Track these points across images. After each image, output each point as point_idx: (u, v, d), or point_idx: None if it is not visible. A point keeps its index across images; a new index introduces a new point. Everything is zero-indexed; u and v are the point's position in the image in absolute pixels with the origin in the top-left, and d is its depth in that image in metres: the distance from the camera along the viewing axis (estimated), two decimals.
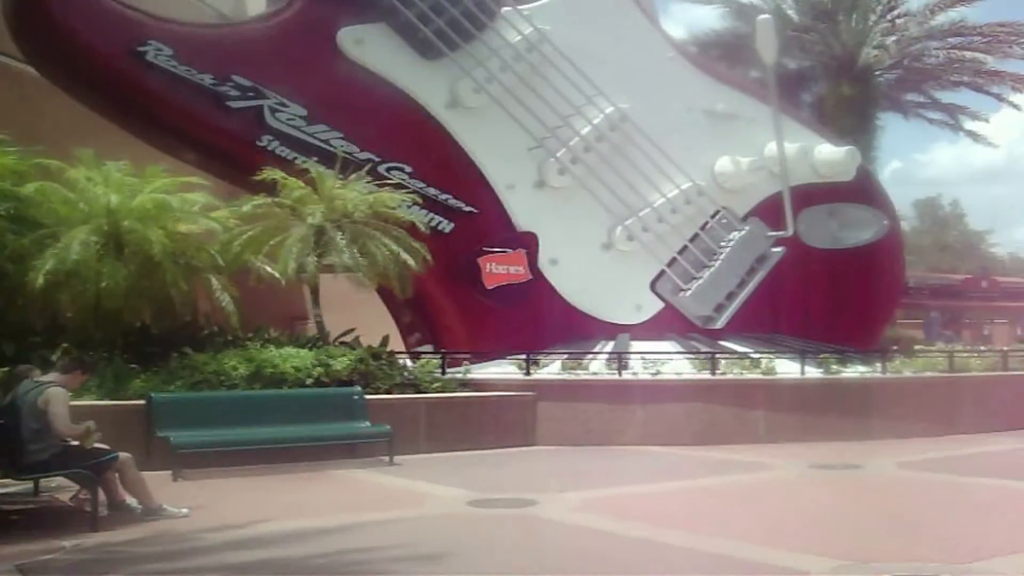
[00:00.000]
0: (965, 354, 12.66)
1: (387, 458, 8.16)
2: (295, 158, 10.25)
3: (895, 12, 20.39)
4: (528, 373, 10.10)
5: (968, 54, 19.49)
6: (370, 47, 10.86)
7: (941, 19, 19.97)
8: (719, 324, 12.72)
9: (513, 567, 4.60)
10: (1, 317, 8.03)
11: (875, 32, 20.08)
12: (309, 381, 8.51)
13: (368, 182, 10.02)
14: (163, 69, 9.82)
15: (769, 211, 13.09)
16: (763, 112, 13.01)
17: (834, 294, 13.44)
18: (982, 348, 13.90)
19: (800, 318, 13.01)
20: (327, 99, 10.63)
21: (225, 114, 10.11)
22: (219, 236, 9.03)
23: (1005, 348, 14.29)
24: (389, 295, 11.48)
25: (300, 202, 9.49)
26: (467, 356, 10.65)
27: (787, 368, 10.90)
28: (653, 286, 12.55)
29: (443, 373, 9.92)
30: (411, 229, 9.97)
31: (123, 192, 8.61)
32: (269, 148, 10.25)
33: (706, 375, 10.33)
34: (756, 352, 11.61)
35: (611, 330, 12.00)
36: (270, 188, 9.53)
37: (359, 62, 10.80)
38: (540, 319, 11.45)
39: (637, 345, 11.60)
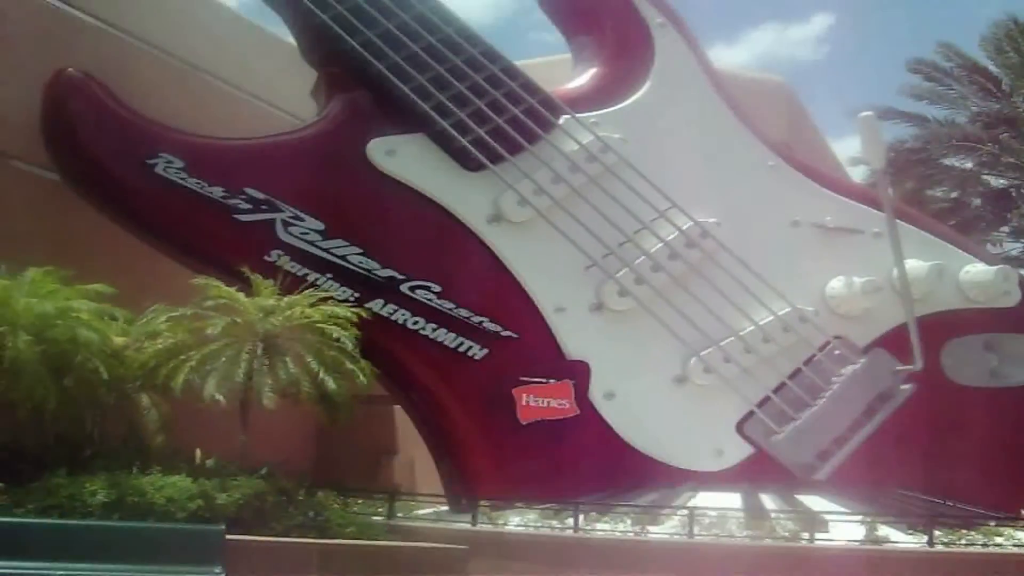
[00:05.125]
0: None
1: None
2: (306, 274, 10.17)
3: None
4: (474, 523, 9.49)
5: None
6: (403, 158, 10.95)
7: None
8: (822, 475, 11.23)
9: None
10: None
11: None
12: (181, 515, 8.09)
13: (331, 297, 9.75)
14: (172, 182, 10.12)
15: (902, 341, 11.60)
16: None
17: (991, 444, 11.83)
18: None
19: (938, 471, 11.48)
20: (349, 213, 10.78)
21: (233, 228, 10.29)
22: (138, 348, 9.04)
23: None
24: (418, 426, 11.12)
25: (222, 312, 9.33)
26: (482, 501, 10.07)
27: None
28: (740, 428, 11.27)
29: (389, 516, 9.25)
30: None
31: None
32: (278, 263, 10.16)
33: (704, 537, 9.27)
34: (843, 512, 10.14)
35: (683, 477, 10.90)
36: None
37: (389, 173, 10.79)
38: (588, 461, 10.61)
39: (708, 497, 10.37)
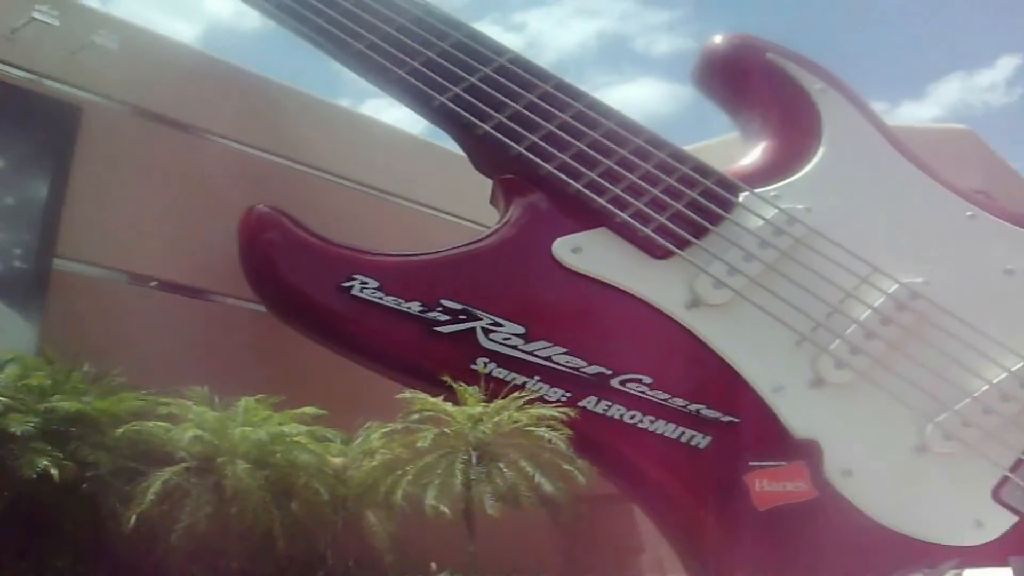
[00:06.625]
0: None
1: None
2: (514, 379, 10.22)
3: None
4: None
5: None
6: (589, 253, 11.09)
7: None
8: None
9: None
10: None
11: None
12: None
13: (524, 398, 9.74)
14: (370, 302, 10.41)
15: None
16: None
17: None
18: None
19: None
20: (547, 314, 10.86)
21: (436, 340, 10.45)
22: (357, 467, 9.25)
23: None
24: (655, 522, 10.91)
25: (431, 424, 9.45)
26: None
27: None
28: (997, 495, 10.62)
29: None
30: None
31: (212, 428, 9.06)
32: (484, 371, 10.23)
33: None
34: None
35: (944, 554, 10.24)
36: None
37: (579, 270, 10.86)
38: (837, 544, 10.12)
39: (975, 574, 9.71)
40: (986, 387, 11.21)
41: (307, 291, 10.82)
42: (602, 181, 11.41)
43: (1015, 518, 10.81)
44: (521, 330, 10.59)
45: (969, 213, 12.30)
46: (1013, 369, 11.31)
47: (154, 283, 11.17)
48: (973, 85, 58.79)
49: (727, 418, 10.66)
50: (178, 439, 9.11)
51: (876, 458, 10.80)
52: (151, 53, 11.67)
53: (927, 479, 10.87)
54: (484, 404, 9.88)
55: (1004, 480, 10.97)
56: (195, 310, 11.32)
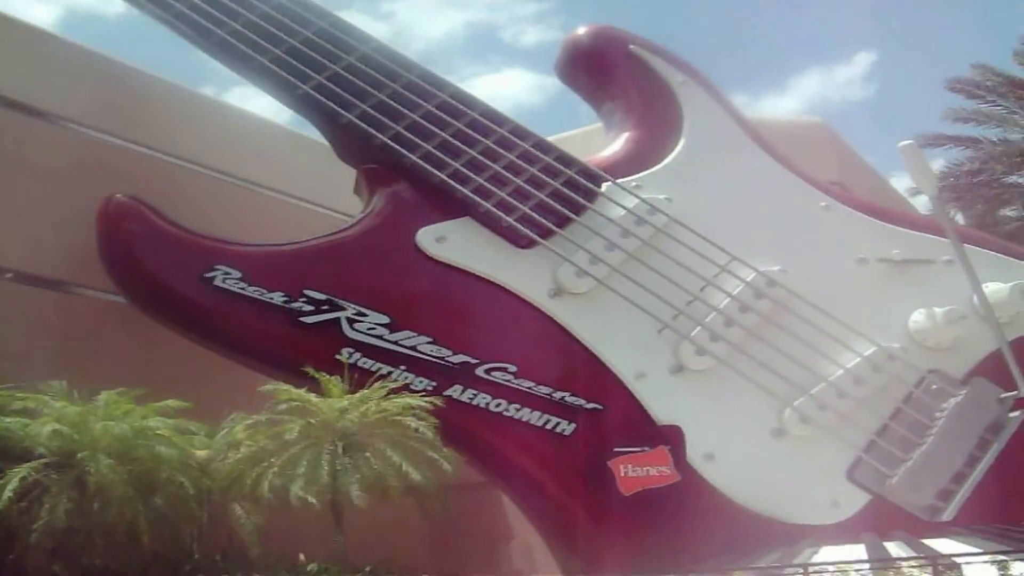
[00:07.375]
0: None
1: None
2: (379, 369, 10.38)
3: None
4: None
5: None
6: (453, 243, 11.35)
7: None
8: (947, 515, 11.05)
9: None
10: None
11: None
12: None
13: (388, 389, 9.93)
14: (233, 292, 10.47)
15: (1002, 366, 11.63)
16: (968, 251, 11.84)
17: None
18: None
19: None
20: (411, 303, 11.09)
21: (300, 331, 10.57)
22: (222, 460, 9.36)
23: None
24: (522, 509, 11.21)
25: (296, 415, 9.59)
26: None
27: None
28: (852, 475, 11.18)
29: None
30: None
31: (71, 422, 9.07)
32: (350, 361, 10.40)
33: None
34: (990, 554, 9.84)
35: (801, 533, 10.84)
36: None
37: (444, 260, 11.09)
38: (699, 526, 10.56)
39: (831, 552, 10.21)
40: (840, 372, 11.78)
41: (168, 282, 10.82)
42: (466, 171, 11.65)
43: (868, 497, 11.42)
44: (386, 320, 10.75)
45: (824, 204, 12.90)
46: (866, 354, 11.92)
47: (10, 275, 11.07)
48: (832, 80, 61.25)
49: (591, 405, 10.99)
50: (36, 434, 9.04)
51: (736, 442, 11.25)
52: (5, 36, 11.51)
53: (786, 461, 11.34)
54: (349, 394, 10.03)
55: (858, 461, 11.55)
56: (54, 302, 11.23)
